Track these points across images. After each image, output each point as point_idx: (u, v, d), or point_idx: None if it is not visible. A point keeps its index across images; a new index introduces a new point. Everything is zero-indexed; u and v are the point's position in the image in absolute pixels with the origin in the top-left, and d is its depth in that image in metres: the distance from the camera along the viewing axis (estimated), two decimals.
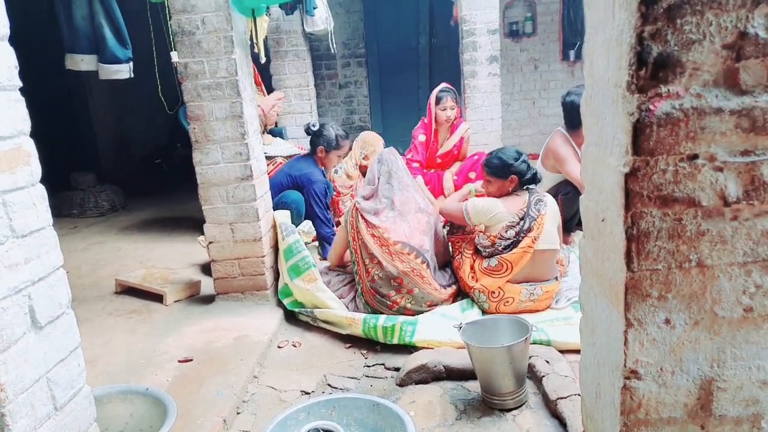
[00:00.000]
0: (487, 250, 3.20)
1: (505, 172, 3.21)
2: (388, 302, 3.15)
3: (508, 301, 3.13)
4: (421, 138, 4.88)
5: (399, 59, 8.04)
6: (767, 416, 1.15)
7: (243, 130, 3.21)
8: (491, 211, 3.17)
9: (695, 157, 1.02)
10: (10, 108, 1.23)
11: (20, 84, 1.26)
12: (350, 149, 4.75)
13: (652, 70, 0.98)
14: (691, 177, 1.03)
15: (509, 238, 3.12)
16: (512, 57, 7.23)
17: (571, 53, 7.15)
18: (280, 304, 3.43)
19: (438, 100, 4.72)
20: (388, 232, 3.19)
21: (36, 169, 1.29)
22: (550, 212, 3.17)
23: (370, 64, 7.80)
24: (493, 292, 3.15)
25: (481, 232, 3.24)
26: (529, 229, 3.09)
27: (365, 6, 7.49)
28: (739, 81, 0.98)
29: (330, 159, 4.30)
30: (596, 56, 1.15)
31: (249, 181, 3.28)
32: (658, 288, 1.09)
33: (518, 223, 3.12)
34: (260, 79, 4.82)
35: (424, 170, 4.89)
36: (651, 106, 1.00)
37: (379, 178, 3.39)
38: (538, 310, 3.13)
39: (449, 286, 3.34)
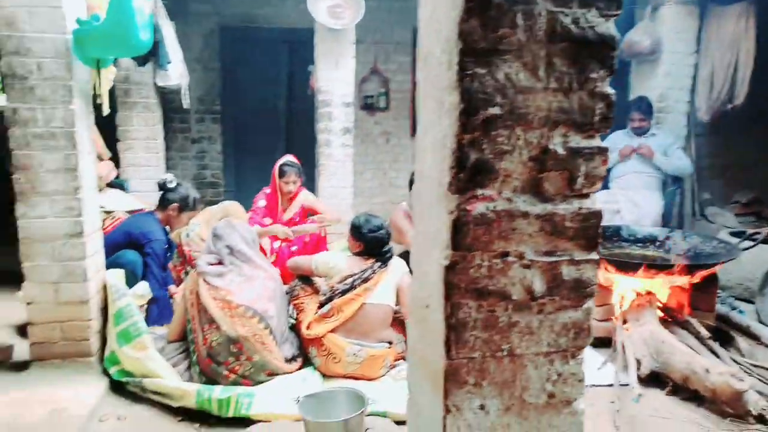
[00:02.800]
0: (326, 296, 3.34)
1: (354, 234, 3.46)
2: (225, 371, 3.02)
3: (335, 358, 3.18)
4: (261, 203, 4.89)
5: (257, 120, 8.02)
6: None
7: (77, 184, 2.99)
8: (331, 263, 3.43)
9: (506, 254, 1.12)
10: None
11: None
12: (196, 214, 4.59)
13: (470, 174, 1.08)
14: (503, 272, 1.13)
15: (346, 284, 3.29)
16: (367, 128, 7.52)
17: None
18: (106, 372, 3.14)
19: (282, 173, 4.78)
20: (231, 295, 3.12)
21: None
22: (391, 272, 3.35)
23: (226, 122, 7.71)
24: (321, 345, 3.20)
25: (323, 277, 3.49)
26: (365, 280, 3.28)
27: (224, 64, 7.45)
28: (543, 189, 1.11)
29: (180, 220, 4.14)
30: (425, 154, 1.24)
31: (79, 238, 3.04)
32: (474, 375, 1.15)
33: (357, 274, 3.31)
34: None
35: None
36: (468, 207, 1.09)
37: (219, 252, 3.33)
38: (370, 378, 3.18)
39: (294, 359, 3.30)
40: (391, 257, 3.42)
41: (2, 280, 4.49)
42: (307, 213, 5.03)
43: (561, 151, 1.08)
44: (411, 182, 4.28)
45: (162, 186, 4.13)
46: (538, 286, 1.14)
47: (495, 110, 1.07)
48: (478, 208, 1.09)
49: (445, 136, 1.11)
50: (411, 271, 3.35)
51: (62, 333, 3.11)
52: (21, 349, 3.30)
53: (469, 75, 1.06)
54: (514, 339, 1.16)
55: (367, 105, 7.46)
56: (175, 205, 4.07)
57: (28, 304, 3.08)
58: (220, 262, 3.30)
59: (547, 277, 1.14)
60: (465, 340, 1.13)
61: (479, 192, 1.09)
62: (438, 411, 1.18)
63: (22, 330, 3.56)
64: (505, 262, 1.12)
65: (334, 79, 5.45)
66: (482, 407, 1.17)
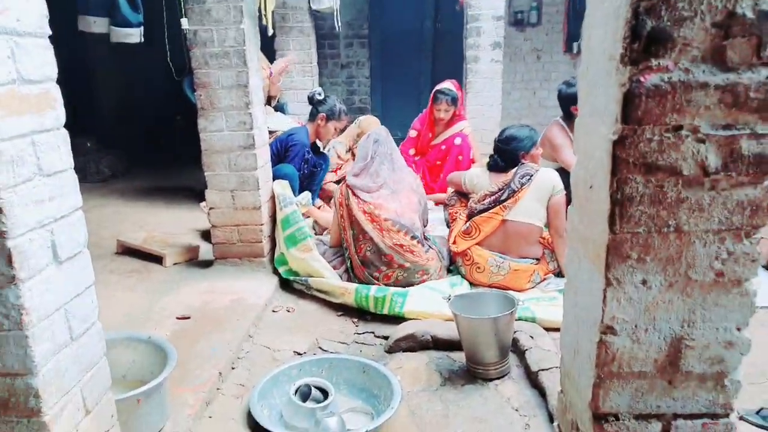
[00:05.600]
0: (467, 214, 3.45)
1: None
2: (379, 277, 3.26)
3: (479, 267, 3.29)
4: (412, 133, 5.02)
5: (402, 42, 8.07)
6: (730, 375, 1.24)
7: (248, 100, 3.27)
8: (475, 179, 3.51)
9: (680, 128, 1.10)
10: (40, 54, 1.29)
11: (50, 32, 1.32)
12: (344, 129, 4.80)
13: (645, 43, 1.06)
14: (675, 147, 1.11)
15: (483, 204, 3.34)
16: (515, 45, 7.28)
17: (575, 45, 7.21)
18: (275, 271, 3.51)
19: (435, 99, 4.84)
20: (380, 209, 3.28)
21: (61, 114, 1.36)
22: (535, 188, 3.24)
23: (373, 46, 7.84)
24: (465, 255, 3.34)
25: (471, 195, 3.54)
26: (506, 199, 3.26)
27: None
28: (725, 58, 1.06)
29: (327, 129, 4.28)
30: (594, 30, 1.23)
31: (251, 150, 3.35)
32: (637, 250, 1.17)
33: (497, 193, 3.31)
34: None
35: (415, 158, 5.01)
36: (641, 78, 1.08)
37: (373, 158, 3.46)
38: (513, 289, 3.19)
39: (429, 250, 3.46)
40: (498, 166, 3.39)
41: (188, 195, 5.11)
42: (456, 145, 4.98)
43: (750, 14, 1.02)
44: (561, 96, 4.13)
45: (311, 99, 4.32)
46: (713, 161, 1.11)
47: None
48: (652, 79, 1.07)
49: (618, 7, 1.09)
50: (567, 191, 3.31)
51: (239, 235, 3.50)
52: (205, 250, 3.77)
53: None
54: (682, 215, 1.15)
55: (517, 21, 7.20)
56: (323, 114, 4.20)
57: (211, 209, 3.48)
58: (362, 172, 3.43)
59: (723, 152, 1.10)
60: (630, 215, 1.15)
61: (654, 62, 1.07)
62: (598, 285, 1.22)
63: (205, 235, 4.05)
64: (677, 136, 1.11)
65: None
66: (644, 282, 1.19)
